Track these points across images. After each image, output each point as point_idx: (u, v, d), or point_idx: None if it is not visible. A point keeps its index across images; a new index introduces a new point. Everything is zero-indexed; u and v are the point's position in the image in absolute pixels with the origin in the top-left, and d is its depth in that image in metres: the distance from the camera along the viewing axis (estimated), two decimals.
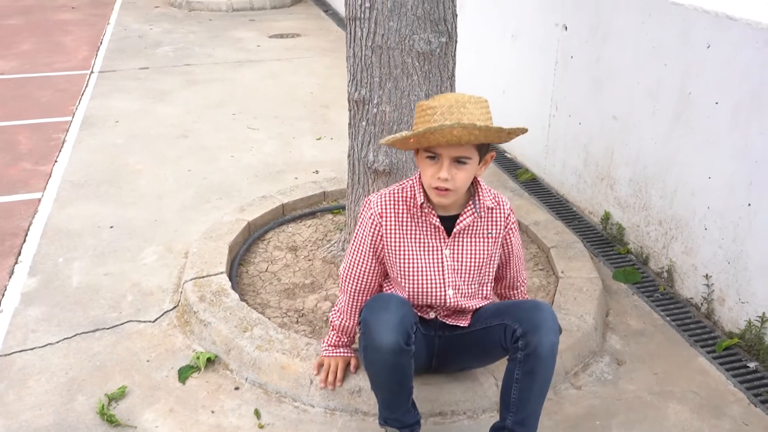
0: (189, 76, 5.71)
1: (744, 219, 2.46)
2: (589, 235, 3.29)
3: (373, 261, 2.02)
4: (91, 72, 5.84)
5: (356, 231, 2.04)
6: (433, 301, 2.00)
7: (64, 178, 3.87)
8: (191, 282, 2.68)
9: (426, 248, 1.97)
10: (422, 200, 1.92)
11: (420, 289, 1.98)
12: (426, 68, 2.50)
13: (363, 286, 2.06)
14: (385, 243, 1.98)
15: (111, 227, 3.34)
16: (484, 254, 1.99)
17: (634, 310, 2.74)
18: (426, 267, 1.97)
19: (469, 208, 1.94)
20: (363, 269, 2.04)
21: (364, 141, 2.65)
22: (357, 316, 2.09)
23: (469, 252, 1.98)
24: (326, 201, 3.45)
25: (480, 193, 1.96)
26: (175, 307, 2.71)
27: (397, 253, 1.97)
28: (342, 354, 2.20)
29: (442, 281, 1.98)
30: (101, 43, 6.77)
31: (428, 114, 1.75)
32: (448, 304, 2.00)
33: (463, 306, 2.01)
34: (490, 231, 1.98)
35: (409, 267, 1.97)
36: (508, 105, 4.07)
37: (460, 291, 2.00)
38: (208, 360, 2.39)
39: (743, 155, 2.42)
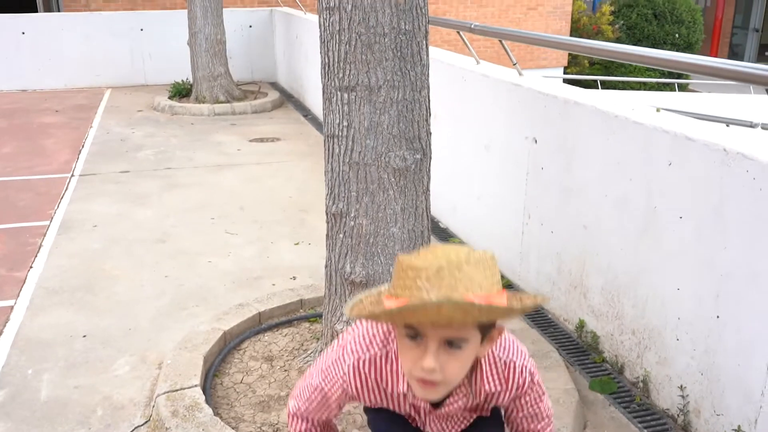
0: (169, 180, 5.79)
1: (714, 331, 2.51)
2: (565, 343, 3.31)
3: (326, 411, 1.70)
4: (72, 175, 5.90)
5: (322, 371, 1.64)
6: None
7: (39, 285, 3.84)
8: (164, 396, 2.63)
9: (409, 411, 1.63)
10: (404, 389, 1.52)
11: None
12: (402, 183, 2.59)
13: (314, 426, 1.76)
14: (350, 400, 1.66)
15: (84, 336, 3.30)
16: (477, 421, 1.66)
17: (612, 422, 2.73)
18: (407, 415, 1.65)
19: (462, 389, 1.53)
20: (314, 414, 1.72)
21: (342, 253, 2.69)
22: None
23: (455, 424, 1.65)
24: (303, 309, 3.46)
25: (480, 375, 1.52)
26: (146, 422, 2.65)
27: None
28: None
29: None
30: (83, 146, 6.87)
31: (409, 278, 1.28)
32: None
33: None
34: (488, 407, 1.63)
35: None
36: (483, 211, 4.17)
37: None
38: None
39: (709, 268, 2.50)
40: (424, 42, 2.54)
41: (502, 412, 1.73)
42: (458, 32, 4.51)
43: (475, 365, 1.49)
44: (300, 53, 8.90)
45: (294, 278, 3.94)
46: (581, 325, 3.30)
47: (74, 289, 3.79)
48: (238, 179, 5.86)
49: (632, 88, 14.25)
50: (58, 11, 11.85)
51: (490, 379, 1.52)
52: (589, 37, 16.90)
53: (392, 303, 1.29)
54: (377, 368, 1.52)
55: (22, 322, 3.44)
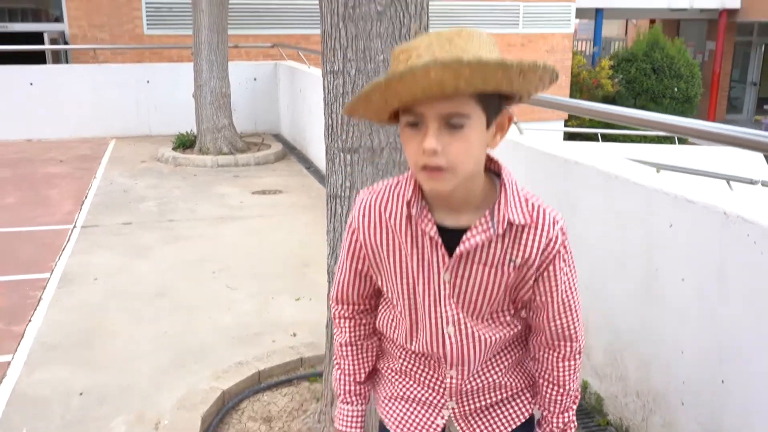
0: (171, 232, 5.80)
1: (719, 395, 2.47)
2: None
3: (360, 281, 1.52)
4: (74, 226, 5.92)
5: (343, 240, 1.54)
6: (433, 342, 1.45)
7: (37, 339, 3.82)
8: None
9: (421, 269, 1.39)
10: (409, 196, 1.34)
11: (410, 317, 1.45)
12: None
13: (358, 313, 1.57)
14: (372, 259, 1.45)
15: (81, 394, 3.26)
16: (500, 285, 1.38)
17: None
18: (419, 289, 1.42)
19: (484, 220, 1.32)
20: (351, 290, 1.54)
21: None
22: (366, 365, 1.61)
23: (477, 283, 1.38)
24: (303, 367, 3.42)
25: (504, 200, 1.32)
26: None
27: (387, 271, 1.45)
28: (346, 428, 1.62)
29: (437, 311, 1.41)
30: (86, 197, 6.91)
31: (401, 60, 1.22)
32: (449, 356, 1.45)
33: (474, 367, 1.47)
34: (513, 258, 1.35)
35: (398, 288, 1.44)
36: None
37: (466, 336, 1.43)
38: None
39: (712, 332, 2.48)
40: None
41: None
42: None
43: (501, 188, 1.33)
44: (303, 106, 9.02)
45: (294, 335, 3.91)
46: (585, 386, 3.26)
47: (72, 345, 3.76)
48: (240, 232, 5.87)
49: (632, 141, 14.38)
50: (67, 63, 12.10)
51: (514, 208, 1.31)
52: (588, 91, 17.16)
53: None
54: (382, 199, 1.40)
55: (19, 378, 3.40)
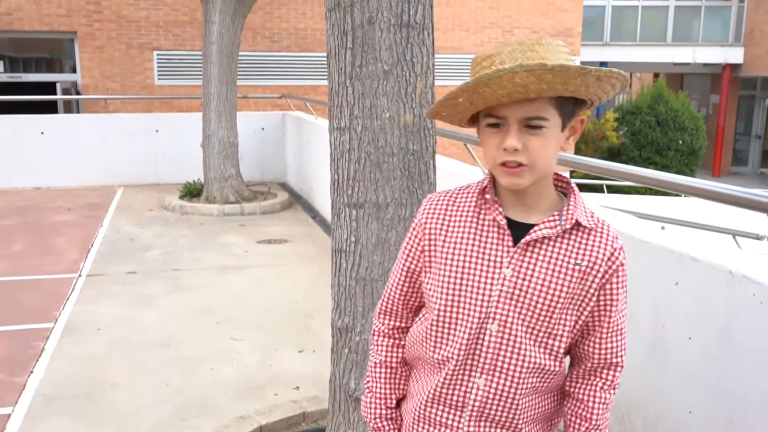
0: (176, 282, 5.80)
1: None
2: None
3: (410, 287, 1.52)
4: (79, 275, 5.93)
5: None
6: (469, 343, 1.40)
7: (38, 391, 3.79)
8: None
9: (480, 259, 1.40)
10: (485, 185, 1.42)
11: (451, 310, 1.41)
12: None
13: (398, 331, 1.56)
14: (429, 252, 1.46)
15: None
16: (562, 289, 1.37)
17: None
18: (471, 280, 1.39)
19: (553, 217, 1.38)
20: (398, 297, 1.54)
21: (346, 368, 2.66)
22: (398, 390, 1.58)
23: (539, 281, 1.37)
24: (306, 422, 3.38)
25: (574, 203, 1.39)
26: None
27: (440, 262, 1.44)
28: None
29: (485, 307, 1.38)
30: (92, 245, 6.94)
31: (484, 66, 1.31)
32: (482, 357, 1.39)
33: (506, 384, 1.40)
34: (579, 261, 1.38)
35: (447, 280, 1.42)
36: None
37: (510, 337, 1.38)
38: None
39: (719, 393, 2.45)
40: (432, 161, 2.61)
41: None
42: (465, 144, 4.63)
43: (570, 194, 1.42)
44: (310, 156, 9.11)
45: (297, 388, 3.86)
46: None
47: (74, 396, 3.73)
48: (245, 282, 5.87)
49: (638, 192, 14.43)
50: (78, 112, 12.31)
51: (582, 213, 1.39)
52: (593, 142, 17.30)
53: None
54: (451, 195, 1.47)
55: (19, 431, 3.36)
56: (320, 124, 8.50)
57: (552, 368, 1.42)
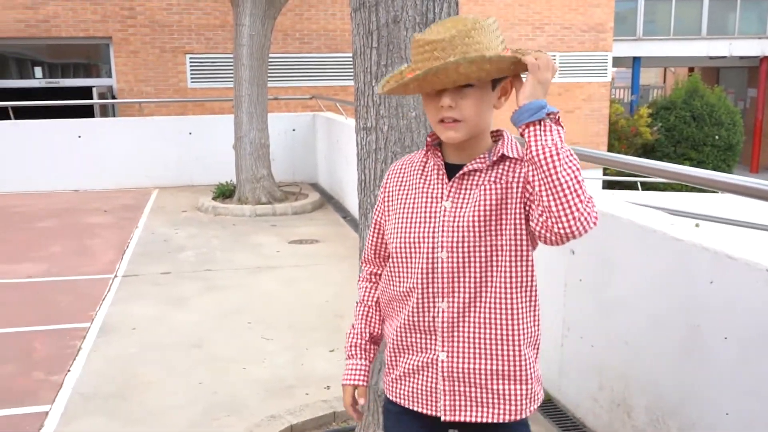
0: (208, 282, 5.87)
1: None
2: None
3: (378, 238, 1.80)
4: (115, 276, 6.03)
5: None
6: (427, 273, 1.62)
7: (75, 390, 3.86)
8: None
9: (424, 197, 1.66)
10: (429, 140, 1.68)
11: (405, 246, 1.65)
12: None
13: (374, 276, 1.83)
14: (387, 205, 1.74)
15: None
16: (489, 204, 1.59)
17: None
18: (418, 217, 1.65)
19: (485, 155, 1.62)
20: (372, 249, 1.82)
21: (374, 368, 2.65)
22: (371, 327, 1.82)
23: (473, 202, 1.60)
24: (336, 422, 3.38)
25: (502, 143, 1.62)
26: None
27: (395, 210, 1.71)
28: (349, 381, 1.81)
29: (432, 237, 1.62)
30: (127, 246, 7.05)
31: (427, 51, 1.50)
32: (440, 283, 1.61)
33: (464, 295, 1.60)
34: (499, 179, 1.60)
35: (399, 221, 1.68)
36: None
37: (458, 260, 1.60)
38: None
39: (757, 394, 2.38)
40: None
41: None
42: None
43: (500, 138, 1.64)
44: (340, 156, 9.14)
45: (328, 387, 3.87)
46: None
47: (108, 396, 3.79)
48: (276, 282, 5.91)
49: (673, 189, 14.17)
50: (114, 116, 12.53)
51: (509, 148, 1.62)
52: (627, 139, 17.05)
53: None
54: (404, 159, 1.77)
55: (56, 429, 3.43)
56: (350, 125, 8.52)
57: (502, 279, 1.60)
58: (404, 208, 1.67)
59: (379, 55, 2.46)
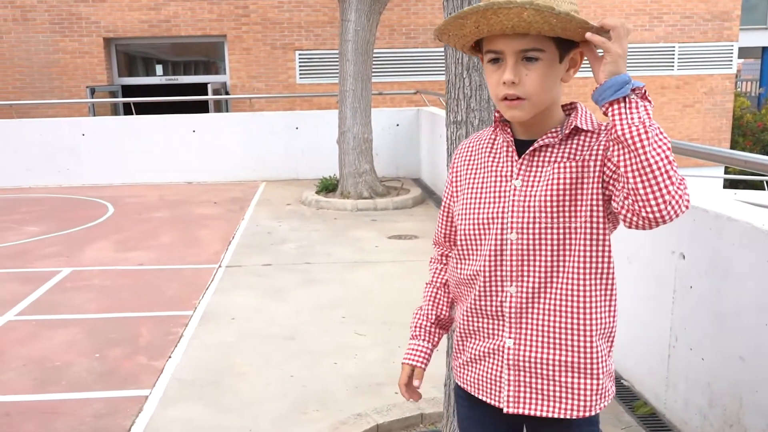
0: (307, 275, 5.93)
1: None
2: None
3: (447, 221, 1.73)
4: (219, 266, 6.22)
5: None
6: (496, 255, 1.53)
7: (174, 376, 3.98)
8: None
9: (493, 177, 1.56)
10: (498, 116, 1.57)
11: (473, 228, 1.57)
12: None
13: (445, 257, 1.77)
14: (456, 187, 1.66)
15: None
16: (563, 182, 1.47)
17: None
18: (487, 197, 1.56)
19: (557, 129, 1.51)
20: (442, 231, 1.75)
21: (449, 363, 2.54)
22: (439, 309, 1.77)
23: (545, 180, 1.49)
24: (423, 424, 3.30)
25: (575, 115, 1.51)
26: None
27: (463, 190, 1.63)
28: (408, 360, 1.77)
29: (502, 218, 1.52)
30: (233, 238, 7.27)
31: None
32: (509, 266, 1.52)
33: (534, 281, 1.51)
34: (574, 155, 1.48)
35: (467, 202, 1.60)
36: (622, 329, 3.84)
37: (529, 242, 1.51)
38: None
39: None
40: None
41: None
42: None
43: (574, 110, 1.53)
44: (443, 151, 9.01)
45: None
46: None
47: (204, 384, 3.88)
48: (373, 277, 5.89)
49: None
50: (227, 111, 13.01)
51: (582, 120, 1.50)
52: (753, 135, 15.91)
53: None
54: (472, 137, 1.68)
55: (154, 413, 3.55)
56: None
57: (576, 264, 1.49)
58: (472, 188, 1.60)
59: None
